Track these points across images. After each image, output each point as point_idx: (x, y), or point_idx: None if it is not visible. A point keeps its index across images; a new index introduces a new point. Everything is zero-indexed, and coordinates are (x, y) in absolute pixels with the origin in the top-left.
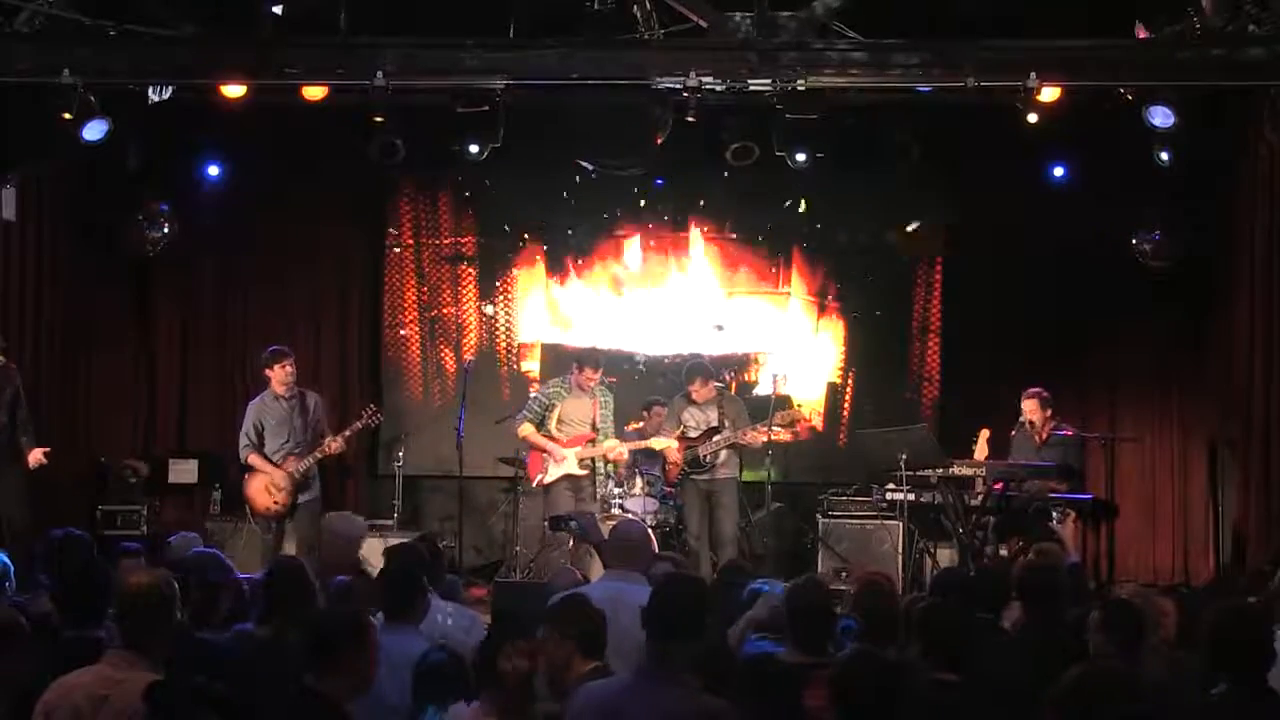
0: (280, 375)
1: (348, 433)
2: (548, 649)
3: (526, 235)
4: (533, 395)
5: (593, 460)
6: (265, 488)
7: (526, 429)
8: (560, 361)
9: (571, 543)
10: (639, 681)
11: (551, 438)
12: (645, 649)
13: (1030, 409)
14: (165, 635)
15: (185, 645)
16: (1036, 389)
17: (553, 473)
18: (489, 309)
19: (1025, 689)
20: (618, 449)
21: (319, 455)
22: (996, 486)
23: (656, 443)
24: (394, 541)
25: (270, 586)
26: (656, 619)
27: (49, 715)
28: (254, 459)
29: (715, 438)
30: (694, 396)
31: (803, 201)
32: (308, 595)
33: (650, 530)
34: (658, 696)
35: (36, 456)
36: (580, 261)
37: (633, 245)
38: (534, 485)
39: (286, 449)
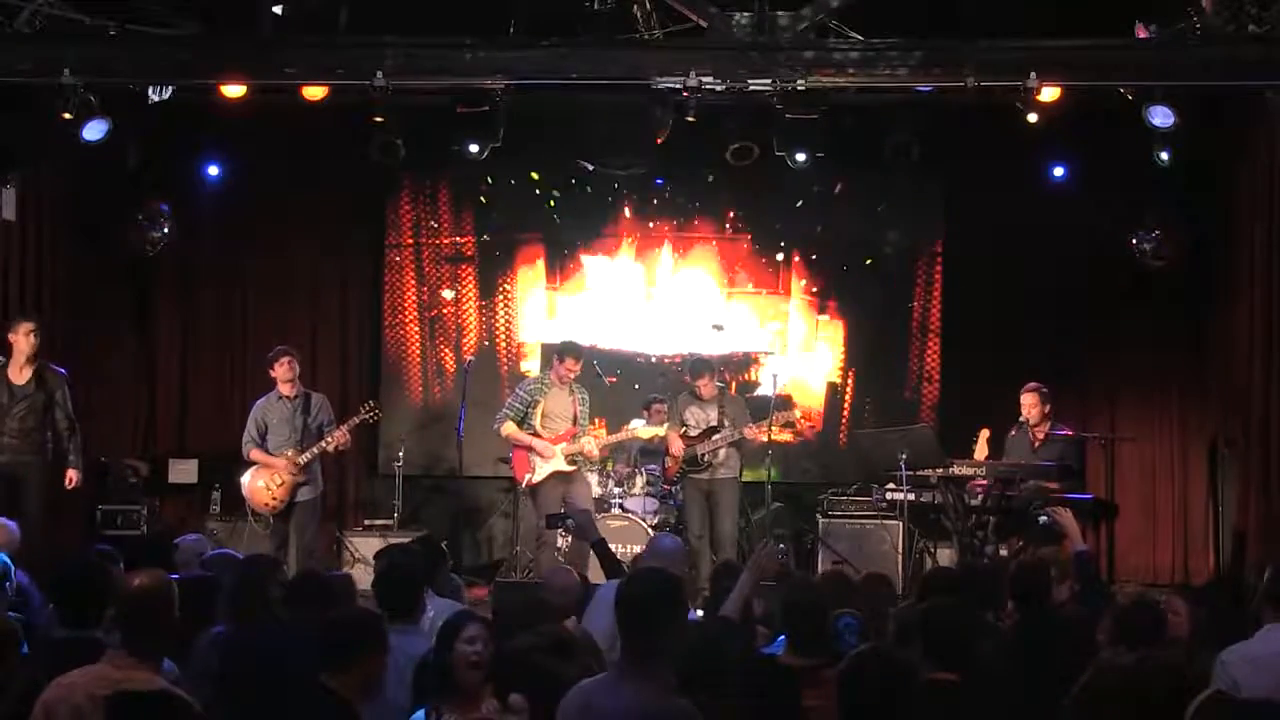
0: (282, 373)
1: (346, 426)
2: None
3: (526, 235)
4: (514, 393)
5: (574, 456)
6: (265, 484)
7: (509, 427)
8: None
9: (570, 540)
10: (614, 678)
11: (536, 434)
12: (620, 645)
13: (1028, 404)
14: (165, 636)
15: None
16: (1035, 384)
17: (541, 471)
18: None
19: (1022, 688)
20: (590, 446)
21: (320, 450)
22: (978, 488)
23: (643, 431)
24: (394, 541)
25: (238, 586)
26: (625, 614)
27: (49, 714)
28: (255, 454)
29: (714, 437)
30: (700, 392)
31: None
32: (265, 595)
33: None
34: (627, 693)
35: (71, 478)
36: (580, 261)
37: (633, 245)
38: (522, 486)
39: (287, 446)
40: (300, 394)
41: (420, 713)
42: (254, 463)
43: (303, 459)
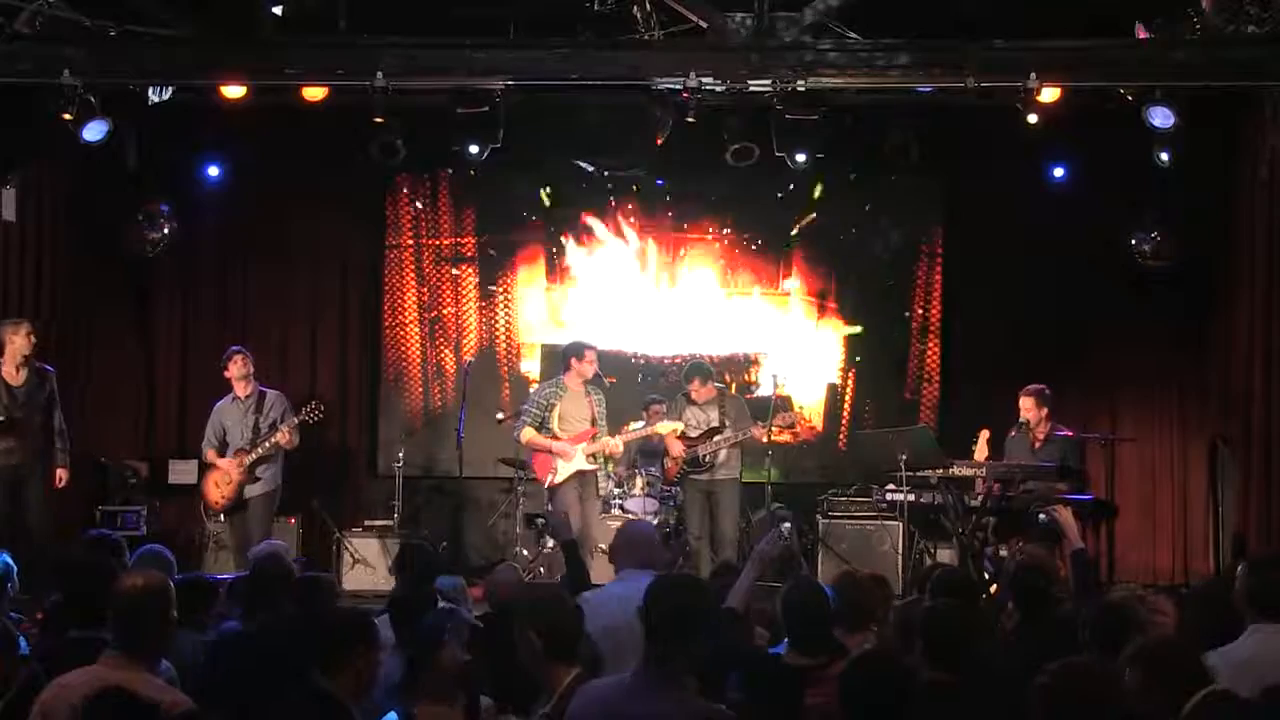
0: (235, 372)
1: (287, 426)
2: (520, 645)
3: (526, 235)
4: (529, 399)
5: (596, 455)
6: (215, 482)
7: (529, 433)
8: (560, 362)
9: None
10: (636, 683)
11: (555, 437)
12: (644, 649)
13: (1027, 405)
14: (161, 636)
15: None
16: (1036, 386)
17: (563, 471)
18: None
19: (1023, 689)
20: (614, 443)
21: (268, 448)
22: (995, 489)
23: (663, 427)
24: (394, 543)
25: (252, 583)
26: (654, 620)
27: (46, 715)
28: (209, 455)
29: (715, 438)
30: (693, 396)
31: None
32: (286, 592)
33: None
34: (654, 699)
35: (62, 477)
36: (580, 262)
37: (633, 245)
38: (545, 486)
39: (240, 446)
40: (254, 393)
41: (393, 714)
42: (208, 463)
43: (249, 459)
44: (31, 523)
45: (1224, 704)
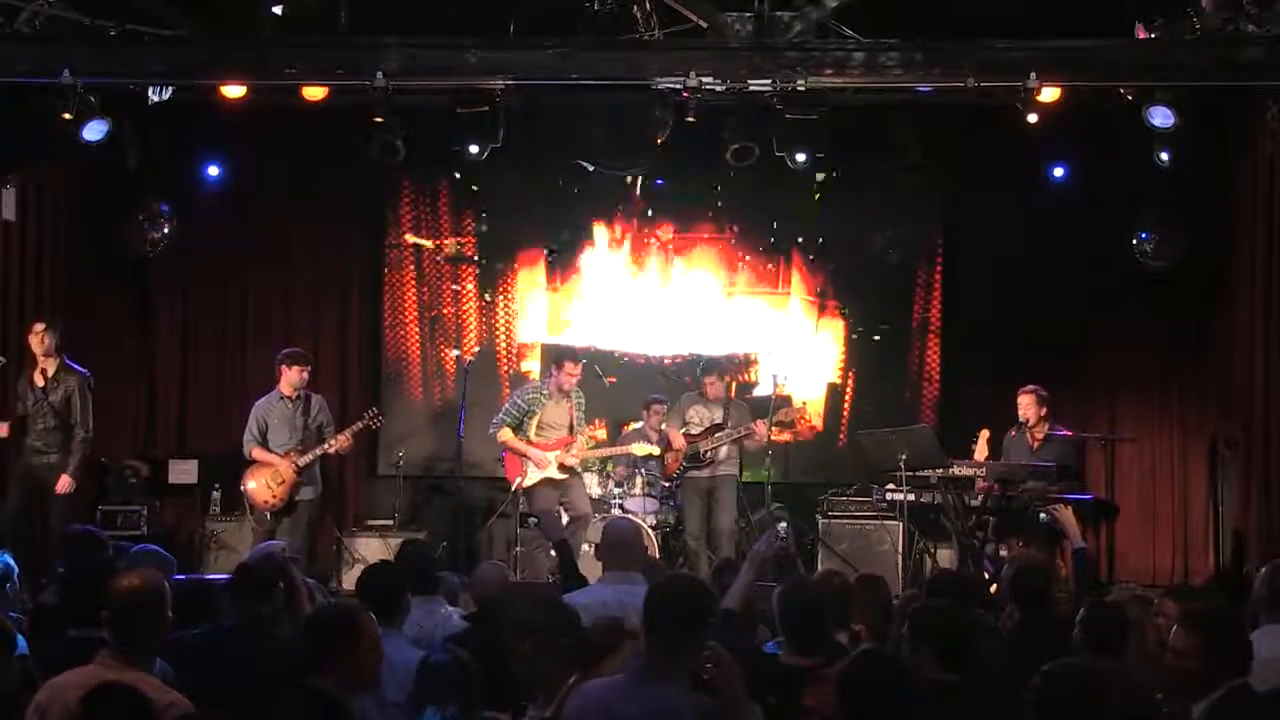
0: (292, 377)
1: (350, 431)
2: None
3: (526, 235)
4: (511, 399)
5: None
6: (265, 482)
7: (505, 433)
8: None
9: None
10: (633, 680)
11: (531, 442)
12: (643, 648)
13: (1025, 405)
14: (156, 636)
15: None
16: (1033, 386)
17: (533, 476)
18: (487, 296)
19: (1023, 689)
20: (574, 461)
21: (321, 451)
22: (995, 489)
23: (638, 449)
24: (395, 542)
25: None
26: (655, 618)
27: (42, 715)
28: (257, 452)
29: (717, 434)
30: (708, 393)
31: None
32: (275, 591)
33: (642, 527)
34: (650, 695)
35: (63, 483)
36: (580, 262)
37: (633, 246)
38: (513, 488)
39: (288, 447)
40: (301, 395)
41: (429, 711)
42: (254, 461)
43: (304, 460)
44: (52, 523)
45: (1245, 698)
